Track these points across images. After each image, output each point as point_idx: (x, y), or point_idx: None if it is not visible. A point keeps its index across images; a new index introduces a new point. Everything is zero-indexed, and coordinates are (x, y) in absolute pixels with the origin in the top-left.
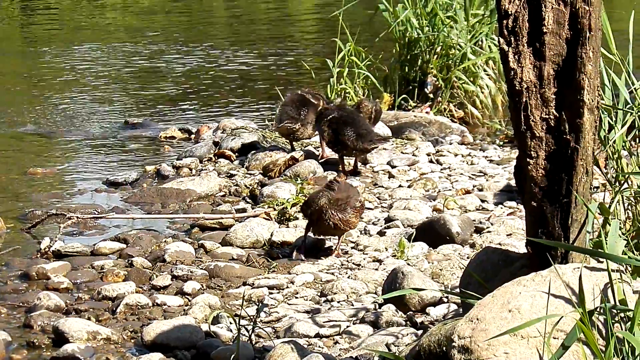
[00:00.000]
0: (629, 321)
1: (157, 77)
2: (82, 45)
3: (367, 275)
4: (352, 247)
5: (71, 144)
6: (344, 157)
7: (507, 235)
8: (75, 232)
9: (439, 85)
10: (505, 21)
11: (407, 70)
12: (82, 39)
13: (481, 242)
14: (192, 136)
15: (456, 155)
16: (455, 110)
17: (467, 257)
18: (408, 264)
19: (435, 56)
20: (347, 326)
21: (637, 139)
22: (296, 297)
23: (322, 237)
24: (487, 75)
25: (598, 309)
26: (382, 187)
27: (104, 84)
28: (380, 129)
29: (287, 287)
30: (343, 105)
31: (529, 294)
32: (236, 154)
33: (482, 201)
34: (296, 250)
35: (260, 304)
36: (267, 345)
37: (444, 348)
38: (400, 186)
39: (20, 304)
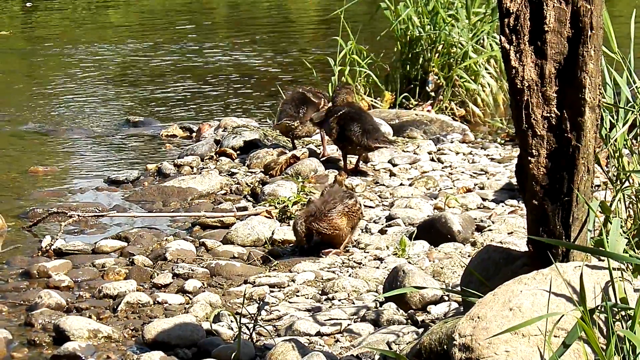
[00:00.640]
0: (630, 319)
1: (159, 75)
2: (83, 44)
3: (368, 273)
4: (353, 246)
5: (72, 142)
6: (347, 156)
7: (508, 233)
8: (76, 231)
9: (441, 84)
10: (506, 19)
11: (408, 69)
12: (83, 37)
13: (482, 240)
14: (194, 134)
15: (457, 153)
16: (457, 109)
17: (468, 256)
18: (409, 262)
19: (437, 54)
20: (348, 324)
21: (639, 137)
22: (297, 296)
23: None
24: (489, 73)
25: (599, 308)
26: (384, 185)
27: (105, 82)
28: (383, 126)
29: (288, 285)
30: (352, 103)
31: (530, 292)
32: (237, 152)
33: (483, 199)
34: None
35: (261, 302)
36: (268, 343)
37: (445, 346)
38: (401, 184)
39: (21, 302)
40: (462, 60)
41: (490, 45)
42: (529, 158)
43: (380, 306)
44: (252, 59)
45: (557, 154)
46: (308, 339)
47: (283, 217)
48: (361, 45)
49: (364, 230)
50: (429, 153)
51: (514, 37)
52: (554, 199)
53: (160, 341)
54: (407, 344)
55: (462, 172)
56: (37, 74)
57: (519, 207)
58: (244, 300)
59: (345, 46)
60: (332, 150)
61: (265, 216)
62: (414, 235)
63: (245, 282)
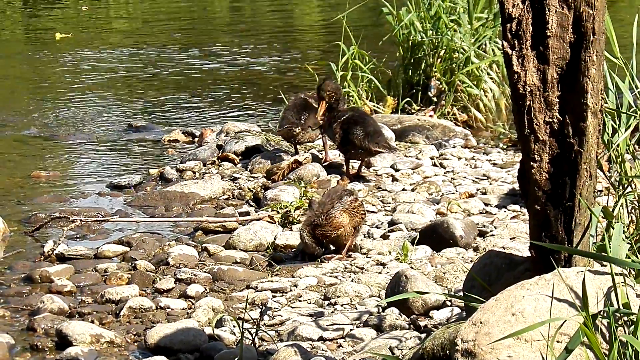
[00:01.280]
0: (633, 325)
1: (161, 80)
2: (86, 49)
3: (370, 278)
4: (356, 251)
5: (75, 147)
6: (349, 161)
7: (511, 238)
8: (78, 235)
9: (443, 89)
10: (509, 25)
11: (410, 74)
12: (86, 42)
13: (485, 245)
14: (196, 139)
15: (460, 158)
16: (459, 114)
17: (471, 261)
18: (411, 268)
19: (439, 60)
20: (351, 329)
21: None
22: (300, 301)
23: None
24: (491, 78)
25: (601, 313)
26: (386, 190)
27: (107, 87)
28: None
29: (291, 290)
30: (356, 108)
31: (533, 297)
32: (240, 157)
33: (486, 205)
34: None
35: (264, 307)
36: (270, 348)
37: (448, 351)
38: (403, 189)
39: (24, 307)
40: (464, 65)
41: (493, 50)
42: (531, 163)
43: (383, 311)
44: (254, 64)
45: (560, 159)
46: (310, 344)
47: (285, 222)
48: (363, 50)
49: (367, 235)
50: (431, 158)
51: (516, 42)
52: (556, 204)
53: (162, 346)
54: (409, 349)
55: (465, 177)
56: (40, 79)
57: (522, 212)
58: (246, 305)
59: (348, 51)
60: (335, 156)
61: (268, 221)
62: (416, 241)
63: (248, 287)
